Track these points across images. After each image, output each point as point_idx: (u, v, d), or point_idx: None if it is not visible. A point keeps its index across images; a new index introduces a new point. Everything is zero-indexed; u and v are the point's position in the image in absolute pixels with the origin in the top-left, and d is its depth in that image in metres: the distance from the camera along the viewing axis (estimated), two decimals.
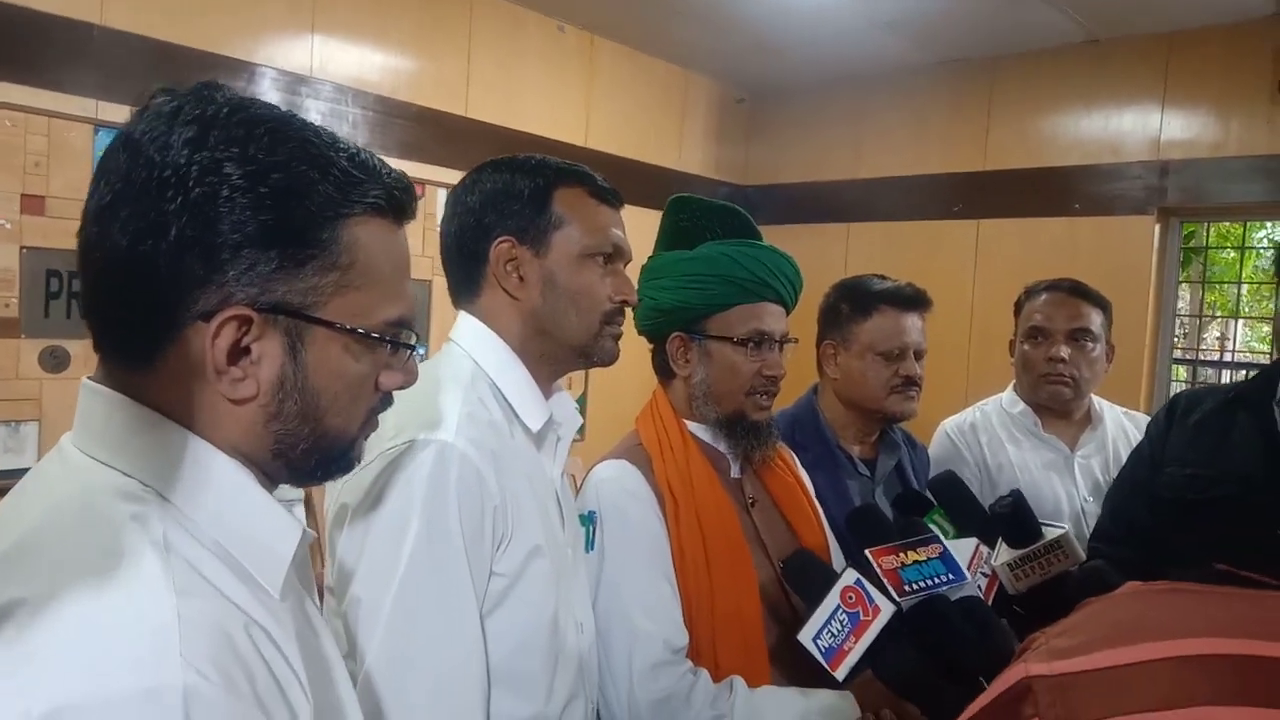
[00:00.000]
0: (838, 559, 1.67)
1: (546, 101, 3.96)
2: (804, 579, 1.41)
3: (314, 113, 3.19)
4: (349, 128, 3.29)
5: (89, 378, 0.74)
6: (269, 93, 3.08)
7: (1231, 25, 3.49)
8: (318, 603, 0.88)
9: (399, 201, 0.79)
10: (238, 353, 0.71)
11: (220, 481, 0.73)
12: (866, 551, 1.32)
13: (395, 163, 2.94)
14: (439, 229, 1.32)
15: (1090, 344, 2.13)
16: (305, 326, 0.73)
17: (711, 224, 1.63)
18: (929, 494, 1.74)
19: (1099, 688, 0.67)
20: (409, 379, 0.83)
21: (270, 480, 0.79)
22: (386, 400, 0.83)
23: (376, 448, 1.11)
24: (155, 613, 0.61)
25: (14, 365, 2.57)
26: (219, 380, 0.71)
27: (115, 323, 0.72)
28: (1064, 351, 2.12)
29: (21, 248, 2.55)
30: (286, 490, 0.84)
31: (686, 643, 1.44)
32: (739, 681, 1.42)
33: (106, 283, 0.71)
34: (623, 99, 4.29)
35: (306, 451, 0.77)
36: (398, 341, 0.80)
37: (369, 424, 0.83)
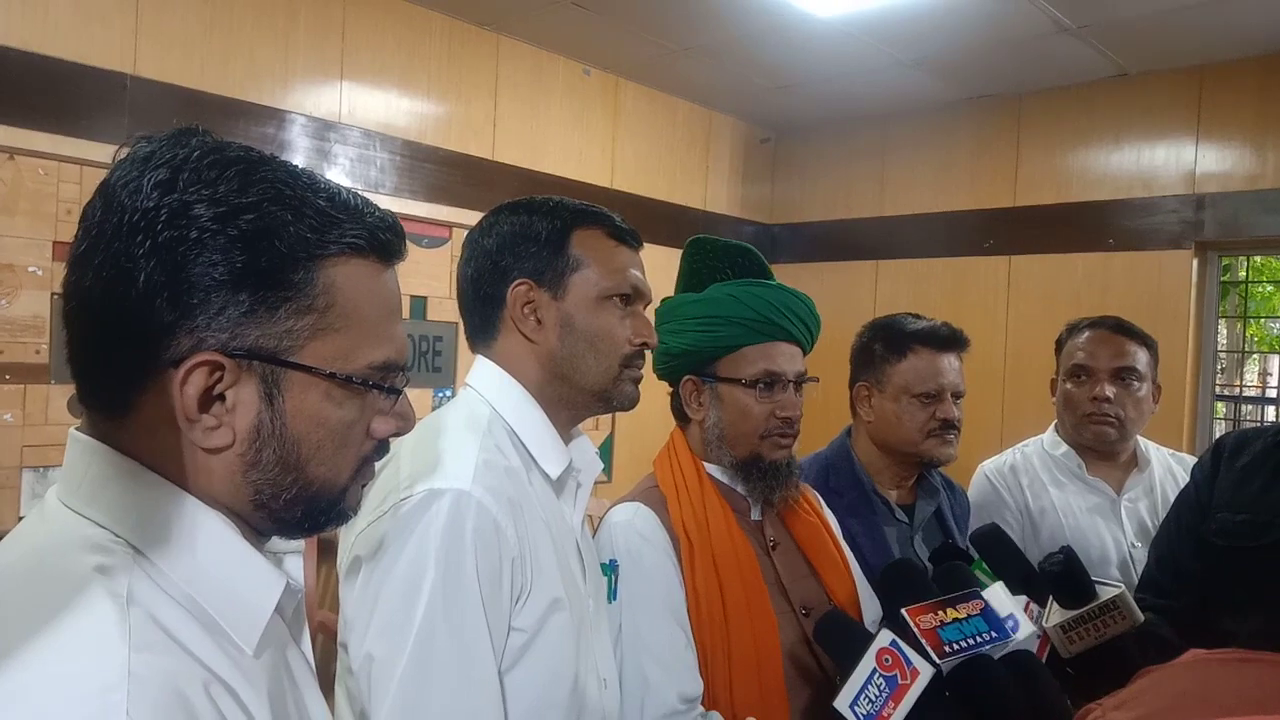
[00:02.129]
0: (868, 606, 1.61)
1: (572, 144, 3.98)
2: (836, 640, 1.35)
3: (342, 158, 3.23)
4: (377, 172, 3.31)
5: (75, 428, 0.73)
6: (298, 138, 3.11)
7: (1265, 56, 3.45)
8: (309, 658, 0.84)
9: (383, 241, 0.76)
10: (210, 400, 0.69)
11: (196, 533, 0.70)
12: (903, 611, 1.26)
13: (423, 206, 2.95)
14: (456, 272, 1.30)
15: (1136, 383, 2.06)
16: (281, 372, 0.71)
17: (721, 264, 1.61)
18: (970, 544, 1.67)
19: None
20: (403, 425, 0.80)
21: (256, 532, 0.76)
22: (381, 448, 0.80)
23: (390, 498, 1.08)
24: (104, 670, 0.58)
25: (43, 411, 2.58)
26: (191, 428, 0.69)
27: (92, 370, 0.71)
28: (1108, 390, 2.04)
29: (53, 294, 2.58)
30: (279, 543, 0.81)
31: (700, 692, 1.39)
32: None
33: (82, 330, 0.70)
34: (648, 140, 4.31)
35: (290, 502, 0.74)
36: (383, 386, 0.76)
37: (362, 473, 0.79)
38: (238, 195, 0.68)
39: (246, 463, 0.71)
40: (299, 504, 0.75)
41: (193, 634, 0.66)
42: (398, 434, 0.80)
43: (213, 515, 0.71)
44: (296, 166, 0.74)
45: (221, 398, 0.69)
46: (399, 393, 0.79)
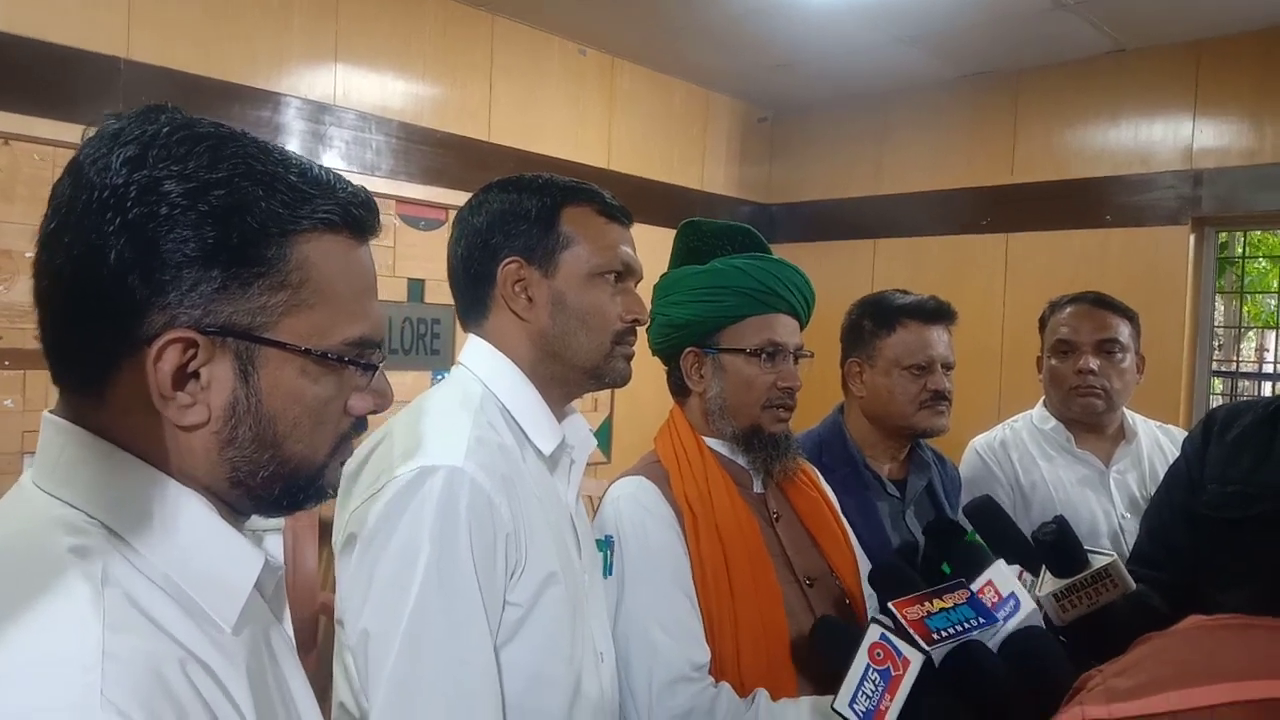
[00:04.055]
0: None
1: (569, 124, 3.98)
2: (831, 644, 1.37)
3: (337, 140, 3.23)
4: (372, 155, 3.31)
5: (50, 410, 0.72)
6: (293, 121, 3.11)
7: (1262, 31, 3.44)
8: (290, 635, 0.85)
9: (356, 217, 0.76)
10: (184, 377, 0.69)
11: (172, 512, 0.70)
12: (890, 605, 1.28)
13: (419, 189, 2.94)
14: (447, 251, 1.31)
15: (1119, 354, 2.09)
16: (256, 348, 0.71)
17: (721, 242, 1.62)
18: (963, 518, 1.68)
19: None
20: (381, 402, 0.79)
21: (235, 511, 0.76)
22: (359, 425, 0.80)
23: (384, 476, 1.09)
24: (79, 651, 0.58)
25: (43, 396, 2.59)
26: (166, 406, 0.68)
27: (65, 351, 0.70)
28: (1093, 363, 2.07)
29: None
30: (259, 521, 0.81)
31: (708, 660, 1.41)
32: (762, 694, 1.39)
33: (53, 310, 0.69)
34: (644, 120, 4.30)
35: (268, 480, 0.74)
36: (359, 362, 0.76)
37: (340, 450, 0.79)
38: (208, 171, 0.68)
39: (222, 440, 0.71)
40: (277, 481, 0.75)
41: (169, 613, 0.66)
42: (375, 411, 0.80)
43: (189, 494, 0.71)
44: (268, 142, 0.74)
45: (196, 375, 0.69)
46: (375, 369, 0.78)
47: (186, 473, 0.71)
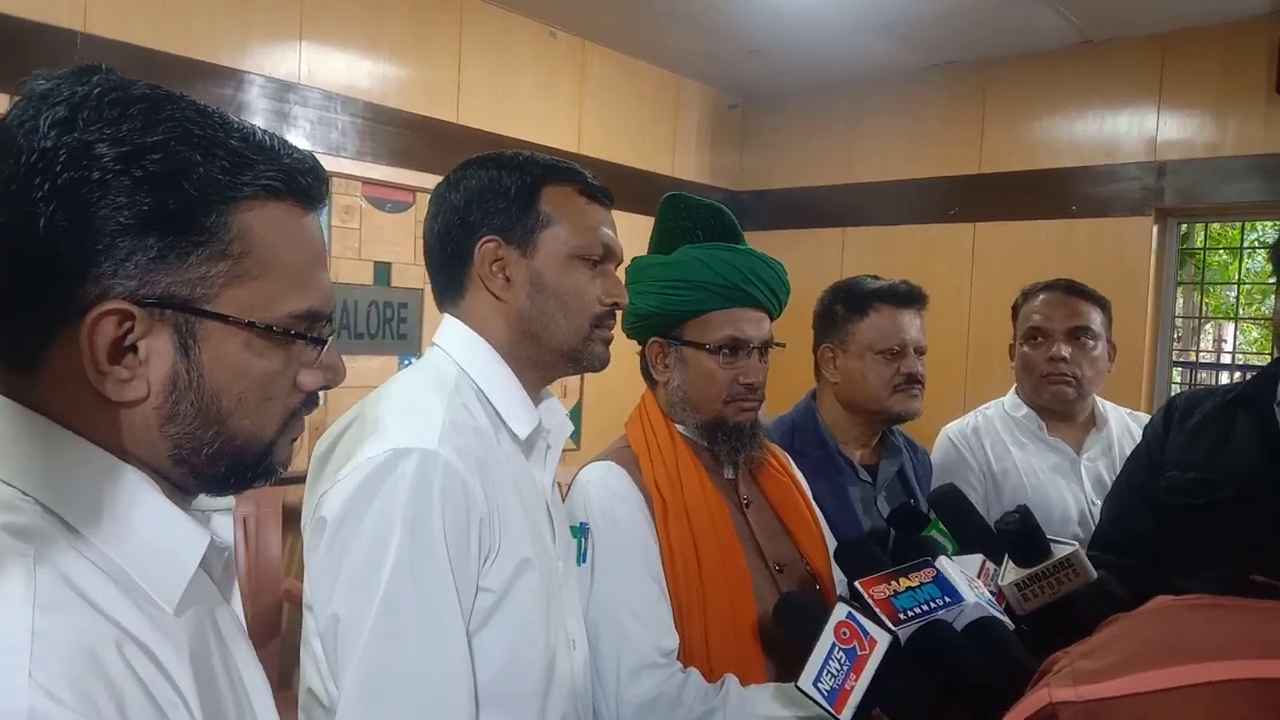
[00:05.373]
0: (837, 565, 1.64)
1: (538, 107, 3.94)
2: (795, 622, 1.37)
3: (302, 120, 3.16)
4: (338, 135, 3.26)
5: None
6: (257, 100, 3.04)
7: (1227, 24, 3.49)
8: (240, 616, 0.82)
9: (301, 184, 0.73)
10: (121, 351, 0.66)
11: (111, 489, 0.67)
12: (856, 583, 1.28)
13: (386, 170, 2.87)
14: (423, 229, 1.28)
15: (1091, 342, 2.11)
16: (196, 321, 0.68)
17: (694, 225, 1.61)
18: (929, 505, 1.69)
19: (1131, 715, 0.62)
20: (332, 378, 0.77)
21: (180, 489, 0.73)
22: (310, 401, 0.77)
23: (356, 458, 1.06)
24: (5, 631, 0.56)
25: None
26: (102, 381, 0.65)
27: None
28: (1064, 350, 2.09)
29: None
30: (206, 500, 0.77)
31: (676, 645, 1.40)
32: (732, 679, 1.39)
33: None
34: (615, 105, 4.27)
35: (213, 457, 0.71)
36: (307, 335, 0.73)
37: (290, 427, 0.76)
38: (142, 134, 0.65)
39: (163, 416, 0.69)
40: (222, 459, 0.72)
41: (107, 593, 0.64)
42: (326, 387, 0.77)
43: (129, 471, 0.69)
44: (207, 106, 0.71)
45: (134, 349, 0.66)
46: (324, 343, 0.76)
47: (127, 450, 0.69)
